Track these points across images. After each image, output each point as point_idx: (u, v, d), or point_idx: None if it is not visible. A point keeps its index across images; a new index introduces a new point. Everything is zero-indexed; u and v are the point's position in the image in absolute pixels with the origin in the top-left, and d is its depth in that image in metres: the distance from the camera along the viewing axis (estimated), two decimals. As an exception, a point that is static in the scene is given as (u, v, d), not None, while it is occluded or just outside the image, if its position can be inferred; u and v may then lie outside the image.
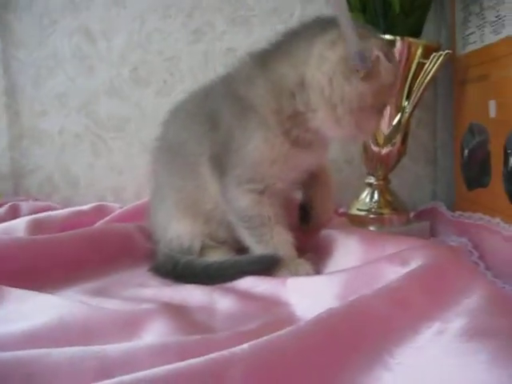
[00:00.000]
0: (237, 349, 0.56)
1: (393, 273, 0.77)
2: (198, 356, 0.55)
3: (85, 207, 1.41)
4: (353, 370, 0.58)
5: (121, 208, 1.42)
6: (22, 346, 0.64)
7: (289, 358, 0.57)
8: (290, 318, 0.76)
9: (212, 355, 0.54)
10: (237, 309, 0.80)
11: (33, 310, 0.79)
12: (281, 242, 0.97)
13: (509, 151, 1.02)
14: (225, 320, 0.78)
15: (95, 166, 1.60)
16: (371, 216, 1.25)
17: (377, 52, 0.86)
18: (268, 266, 0.94)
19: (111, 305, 0.83)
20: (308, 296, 0.81)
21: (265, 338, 0.58)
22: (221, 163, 0.99)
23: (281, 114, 0.93)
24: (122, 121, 1.58)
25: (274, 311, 0.79)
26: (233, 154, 0.96)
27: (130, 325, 0.73)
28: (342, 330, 0.62)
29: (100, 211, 1.41)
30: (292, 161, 0.95)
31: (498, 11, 1.05)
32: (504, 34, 1.03)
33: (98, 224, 1.30)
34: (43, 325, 0.72)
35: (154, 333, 0.71)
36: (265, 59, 0.96)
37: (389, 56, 0.89)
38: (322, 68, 0.89)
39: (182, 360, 0.54)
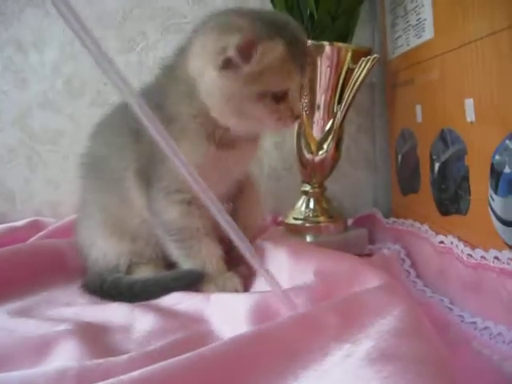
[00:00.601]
0: (125, 376, 0.54)
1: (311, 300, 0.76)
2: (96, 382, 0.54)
3: (18, 223, 1.38)
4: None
5: (56, 223, 1.38)
6: None
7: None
8: (206, 337, 0.75)
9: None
10: (155, 327, 0.78)
11: None
12: (209, 255, 0.95)
13: (434, 157, 1.01)
14: (140, 339, 0.76)
15: (31, 180, 1.56)
16: (307, 225, 1.24)
17: (232, 50, 0.83)
18: (193, 282, 0.93)
19: (27, 326, 0.81)
20: (226, 315, 0.79)
21: (159, 364, 0.56)
22: (147, 175, 0.96)
23: (198, 117, 0.91)
24: (56, 133, 1.54)
25: (193, 328, 0.78)
26: (159, 165, 0.93)
27: (39, 349, 0.71)
28: (246, 354, 0.60)
29: (34, 227, 1.38)
30: (220, 164, 0.93)
31: (418, 14, 1.04)
32: (424, 37, 1.03)
33: (31, 240, 1.27)
34: None
35: (64, 357, 0.69)
36: (172, 65, 0.96)
37: (255, 44, 0.84)
38: (195, 62, 0.90)
39: None
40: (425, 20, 1.01)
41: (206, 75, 0.87)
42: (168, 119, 0.90)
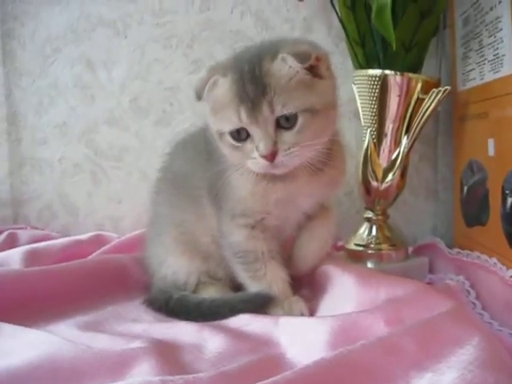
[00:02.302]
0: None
1: (385, 323, 0.76)
2: None
3: (83, 237, 1.41)
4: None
5: (118, 238, 1.41)
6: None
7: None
8: (278, 360, 0.75)
9: None
10: (226, 348, 0.79)
11: (21, 346, 0.78)
12: (275, 278, 0.96)
13: (507, 192, 1.01)
14: (213, 360, 0.77)
15: (94, 194, 1.60)
16: (369, 251, 1.23)
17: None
18: (260, 305, 0.93)
19: (101, 342, 0.82)
20: (299, 339, 0.80)
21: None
22: (216, 196, 0.98)
23: None
24: (121, 150, 1.57)
25: (264, 351, 0.78)
26: (224, 188, 0.95)
27: (116, 366, 0.72)
28: (330, 380, 0.61)
29: (98, 241, 1.40)
30: (272, 195, 0.93)
31: (496, 49, 1.04)
32: (502, 72, 1.02)
33: (94, 255, 1.30)
34: (30, 363, 0.71)
35: (140, 374, 0.70)
36: None
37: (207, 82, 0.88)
38: None
39: None
40: (503, 56, 1.01)
41: None
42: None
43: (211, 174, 0.98)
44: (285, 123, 0.84)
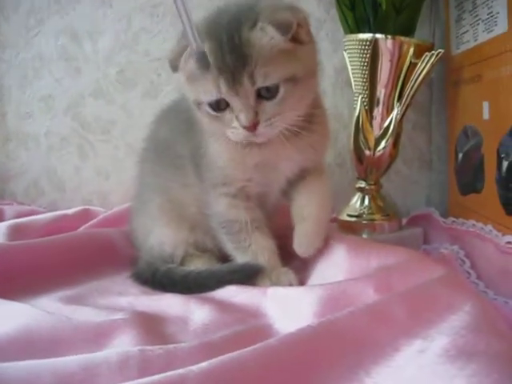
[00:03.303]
0: (194, 366, 0.53)
1: (374, 291, 0.74)
2: (158, 371, 0.54)
3: (68, 211, 1.38)
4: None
5: (105, 212, 1.38)
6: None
7: (250, 376, 0.54)
8: (265, 330, 0.74)
9: (168, 373, 0.53)
10: (212, 319, 0.77)
11: (-1, 318, 0.77)
12: (260, 249, 0.93)
13: (502, 155, 0.98)
14: (198, 331, 0.75)
15: (82, 169, 1.57)
16: (362, 222, 1.21)
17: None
18: (248, 276, 0.91)
19: (83, 314, 0.81)
20: (287, 309, 0.78)
21: (227, 354, 0.55)
22: (198, 165, 0.96)
23: None
24: (108, 123, 1.54)
25: (250, 322, 0.76)
26: (204, 157, 0.94)
27: (96, 337, 0.71)
28: (315, 348, 0.60)
29: (84, 216, 1.38)
30: (251, 160, 0.90)
31: (490, 8, 1.01)
32: (496, 31, 0.99)
33: (81, 229, 1.27)
34: (7, 335, 0.70)
35: (120, 345, 0.68)
36: None
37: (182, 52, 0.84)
38: None
39: (142, 374, 0.54)
40: (498, 13, 0.98)
41: None
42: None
43: (193, 143, 0.95)
44: (266, 94, 0.80)
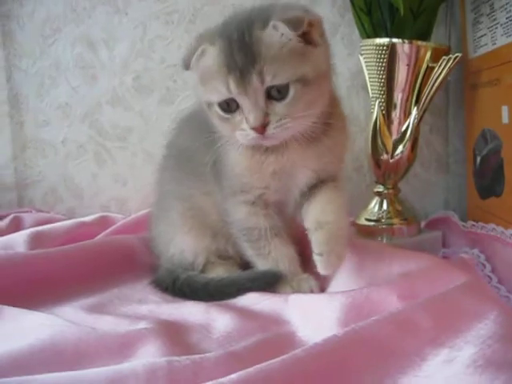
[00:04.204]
0: (224, 379, 0.53)
1: (398, 298, 0.74)
2: (186, 382, 0.56)
3: (87, 218, 1.39)
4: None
5: (124, 219, 1.39)
6: (9, 369, 0.64)
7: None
8: (289, 339, 0.74)
9: None
10: (234, 327, 0.78)
11: (23, 329, 0.77)
12: (280, 256, 0.93)
13: (522, 159, 0.97)
14: (221, 339, 0.75)
15: (99, 176, 1.57)
16: (380, 226, 1.21)
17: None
18: (268, 283, 0.92)
19: (106, 323, 0.81)
20: (310, 316, 0.78)
21: (256, 366, 0.55)
22: (217, 173, 0.96)
23: None
24: (125, 130, 1.55)
25: (273, 330, 0.76)
26: (223, 163, 0.94)
27: (121, 347, 0.71)
28: (341, 358, 0.60)
29: (103, 222, 1.38)
30: (267, 167, 0.90)
31: (509, 12, 1.00)
32: (516, 35, 0.99)
33: (100, 236, 1.28)
34: (32, 347, 0.70)
35: (146, 355, 0.68)
36: None
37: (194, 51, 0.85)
38: None
39: None
40: (517, 18, 0.97)
41: None
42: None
43: (213, 151, 0.94)
44: (276, 94, 0.80)
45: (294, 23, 0.78)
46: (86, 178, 1.58)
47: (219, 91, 0.82)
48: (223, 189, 0.96)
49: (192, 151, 1.02)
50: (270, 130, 0.81)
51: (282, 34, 0.79)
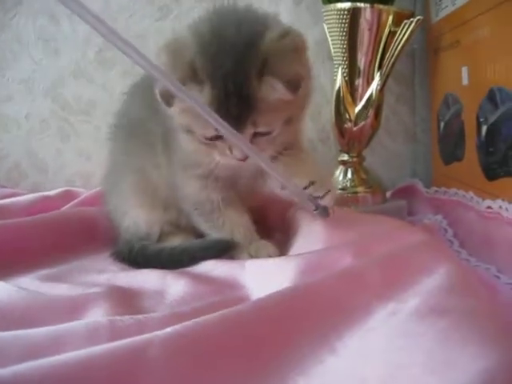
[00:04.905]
0: (160, 332, 0.52)
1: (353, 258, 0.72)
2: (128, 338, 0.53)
3: (51, 192, 1.38)
4: (293, 354, 0.54)
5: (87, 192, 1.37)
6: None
7: (215, 340, 0.53)
8: (240, 302, 0.71)
9: (133, 338, 0.52)
10: (188, 292, 0.76)
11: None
12: (235, 225, 0.92)
13: (481, 120, 0.97)
14: (173, 304, 0.74)
15: (63, 150, 1.55)
16: (345, 195, 1.20)
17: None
18: (221, 251, 0.90)
19: (59, 291, 0.80)
20: (264, 280, 0.77)
21: (193, 320, 0.54)
22: (168, 144, 0.94)
23: None
24: (88, 104, 1.53)
25: (227, 293, 0.75)
26: (173, 136, 0.91)
27: (69, 311, 0.70)
28: (283, 313, 0.58)
29: (66, 196, 1.37)
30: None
31: (467, -30, 0.99)
32: (472, -7, 0.98)
33: (63, 209, 1.26)
34: None
35: (95, 318, 0.67)
36: None
37: None
38: None
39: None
40: (473, -25, 0.96)
41: None
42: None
43: (164, 124, 0.92)
44: (262, 132, 0.80)
45: (292, 85, 0.76)
46: (50, 153, 1.56)
47: (206, 129, 0.79)
48: (173, 163, 0.94)
49: (142, 120, 0.99)
50: (251, 160, 0.79)
51: (279, 92, 0.76)
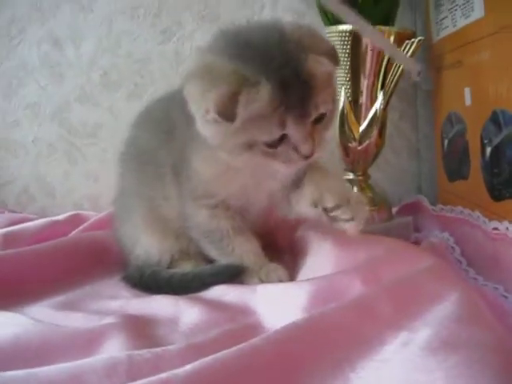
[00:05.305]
0: (179, 370, 0.53)
1: (362, 284, 0.73)
2: (147, 375, 0.54)
3: (59, 217, 1.38)
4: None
5: (96, 216, 1.38)
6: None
7: (234, 376, 0.54)
8: (254, 329, 0.73)
9: (151, 378, 0.52)
10: (201, 319, 0.77)
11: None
12: (245, 251, 0.93)
13: (485, 141, 0.98)
14: (187, 332, 0.74)
15: (71, 174, 1.57)
16: (351, 213, 1.20)
17: (213, 113, 0.75)
18: (231, 276, 0.91)
19: (74, 320, 0.81)
20: (276, 306, 0.78)
21: (211, 356, 0.55)
22: (179, 174, 0.94)
23: None
24: (94, 127, 1.54)
25: (240, 321, 0.76)
26: (186, 166, 0.91)
27: (86, 343, 0.70)
28: (299, 345, 0.59)
29: (75, 220, 1.37)
30: (238, 180, 0.89)
31: (465, -7, 1.01)
32: (473, 17, 0.99)
33: (72, 234, 1.27)
34: None
35: (110, 351, 0.68)
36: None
37: (237, 97, 0.73)
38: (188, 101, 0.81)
39: (131, 380, 0.54)
40: (473, -1, 0.98)
41: (196, 118, 0.81)
42: (192, 124, 0.84)
43: (175, 153, 0.93)
44: (318, 119, 0.80)
45: (335, 57, 0.80)
46: (57, 177, 1.57)
47: (270, 131, 0.77)
48: (183, 192, 0.94)
49: (151, 151, 0.99)
50: (316, 153, 0.80)
51: (325, 67, 0.78)
